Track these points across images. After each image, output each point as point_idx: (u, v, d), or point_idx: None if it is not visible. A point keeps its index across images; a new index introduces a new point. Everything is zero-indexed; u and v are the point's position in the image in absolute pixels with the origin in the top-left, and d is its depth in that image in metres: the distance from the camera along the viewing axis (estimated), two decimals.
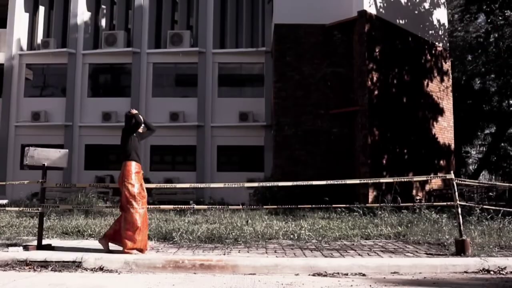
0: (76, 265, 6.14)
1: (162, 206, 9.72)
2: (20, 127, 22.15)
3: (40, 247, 6.84)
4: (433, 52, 18.24)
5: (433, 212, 9.20)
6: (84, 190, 13.23)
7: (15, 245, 7.21)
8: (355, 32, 16.30)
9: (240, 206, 10.19)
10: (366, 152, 15.12)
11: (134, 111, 7.17)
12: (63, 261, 6.20)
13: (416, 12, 17.79)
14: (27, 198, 16.55)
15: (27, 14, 23.41)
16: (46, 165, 7.16)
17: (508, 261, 6.17)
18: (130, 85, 22.08)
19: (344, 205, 8.22)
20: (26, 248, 6.75)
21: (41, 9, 23.72)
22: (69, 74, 22.18)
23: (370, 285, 5.33)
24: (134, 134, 7.12)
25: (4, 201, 15.86)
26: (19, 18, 22.93)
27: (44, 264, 6.17)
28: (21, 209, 8.97)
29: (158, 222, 9.65)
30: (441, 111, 18.16)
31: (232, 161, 22.76)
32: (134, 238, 6.56)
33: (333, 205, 8.61)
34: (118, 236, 6.70)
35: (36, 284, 5.31)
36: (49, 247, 6.83)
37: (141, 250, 6.61)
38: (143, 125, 7.22)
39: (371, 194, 14.66)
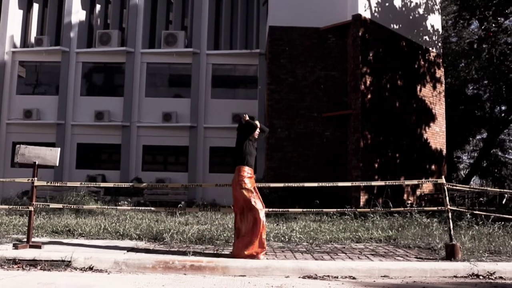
0: (66, 264, 6.10)
1: (152, 208, 9.65)
2: (12, 124, 21.99)
3: (29, 245, 6.79)
4: (427, 57, 18.33)
5: (424, 217, 9.24)
6: (75, 189, 13.17)
7: (4, 243, 7.17)
8: (349, 36, 16.35)
9: (232, 208, 10.16)
10: (358, 156, 15.15)
11: (247, 117, 7.09)
12: (52, 260, 6.16)
13: (411, 17, 17.87)
14: (17, 196, 16.43)
15: (21, 11, 23.28)
16: (37, 163, 7.12)
17: (497, 266, 6.20)
18: (124, 85, 21.99)
19: (336, 209, 8.22)
20: (15, 246, 6.71)
21: (35, 7, 23.60)
22: (62, 72, 22.06)
23: None
24: (250, 139, 7.03)
25: None
26: (13, 15, 22.79)
27: (33, 263, 6.13)
28: (10, 207, 8.91)
29: (149, 222, 9.61)
30: (433, 116, 18.24)
31: (224, 163, 22.70)
32: (243, 242, 6.54)
33: (324, 210, 8.61)
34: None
35: (25, 283, 5.27)
36: (38, 246, 6.78)
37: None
38: (258, 131, 7.12)
39: (363, 198, 14.70)
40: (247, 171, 6.85)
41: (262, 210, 6.73)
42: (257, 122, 7.11)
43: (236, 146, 7.05)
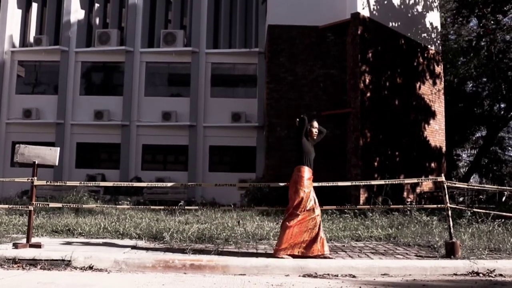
0: (66, 264, 6.10)
1: (152, 207, 9.66)
2: (11, 124, 21.99)
3: (29, 245, 6.79)
4: (426, 55, 18.32)
5: (423, 215, 9.23)
6: (75, 188, 13.16)
7: (4, 243, 7.17)
8: (348, 34, 16.34)
9: (232, 207, 10.17)
10: (358, 154, 15.15)
11: (301, 117, 7.08)
12: (52, 260, 6.15)
13: (409, 15, 17.87)
14: (17, 196, 16.46)
15: (20, 11, 23.26)
16: (36, 162, 7.12)
17: (497, 264, 6.21)
18: (123, 84, 21.99)
19: (335, 207, 8.22)
20: (15, 246, 6.70)
21: (34, 6, 23.59)
22: (62, 72, 22.05)
23: (360, 287, 5.35)
24: (308, 139, 7.04)
25: None
26: (12, 15, 22.77)
27: (33, 263, 6.13)
28: (10, 206, 8.90)
29: (148, 221, 9.61)
30: (433, 114, 18.24)
31: (224, 162, 22.74)
32: (289, 242, 6.50)
33: (324, 207, 8.58)
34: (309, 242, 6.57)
35: (25, 283, 5.27)
36: (38, 246, 6.78)
37: (294, 255, 6.49)
38: (315, 130, 7.12)
39: (362, 196, 14.70)
40: (306, 171, 6.83)
41: (318, 209, 6.74)
42: (312, 121, 7.14)
43: (296, 147, 7.13)
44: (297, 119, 7.11)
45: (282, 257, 6.38)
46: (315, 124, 7.15)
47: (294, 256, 6.43)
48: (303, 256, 6.45)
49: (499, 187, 12.19)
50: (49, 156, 7.24)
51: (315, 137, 7.19)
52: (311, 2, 16.87)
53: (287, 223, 6.59)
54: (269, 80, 17.01)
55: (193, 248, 7.02)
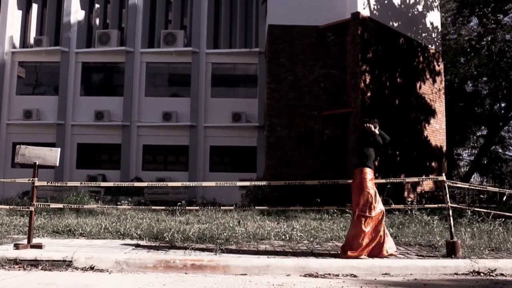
0: (67, 264, 6.10)
1: (153, 207, 9.66)
2: (12, 125, 22.00)
3: (30, 246, 6.80)
4: (426, 54, 18.32)
5: (424, 214, 9.24)
6: (76, 189, 13.17)
7: (5, 243, 7.17)
8: (349, 34, 16.34)
9: (232, 207, 10.17)
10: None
11: (372, 128, 7.09)
12: (53, 260, 6.16)
13: (410, 14, 17.86)
14: (18, 197, 16.46)
15: (20, 12, 23.27)
16: (37, 163, 7.12)
17: (498, 263, 6.21)
18: (123, 84, 21.99)
19: (336, 207, 8.22)
20: (16, 246, 6.71)
21: (34, 7, 23.59)
22: (62, 73, 22.05)
23: (361, 286, 5.35)
24: (372, 144, 7.07)
25: None
26: (12, 15, 22.78)
27: (34, 263, 6.13)
28: (11, 207, 8.90)
29: (149, 221, 9.62)
30: (433, 114, 18.23)
31: (224, 162, 22.74)
32: (360, 244, 6.55)
33: (325, 207, 8.61)
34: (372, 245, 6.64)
35: (26, 283, 5.27)
36: (39, 246, 6.79)
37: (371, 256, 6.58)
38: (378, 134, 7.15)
39: None
40: (370, 173, 6.85)
41: (383, 211, 6.78)
42: (379, 133, 7.14)
43: (359, 148, 7.18)
44: (367, 124, 7.14)
45: (360, 258, 6.45)
46: (377, 127, 7.16)
47: (358, 258, 6.47)
48: (370, 257, 6.51)
49: (500, 186, 12.21)
50: (50, 156, 7.24)
51: (381, 143, 7.23)
52: (311, 2, 16.87)
53: (360, 224, 6.62)
54: (269, 80, 17.01)
55: (194, 248, 7.03)
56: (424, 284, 5.55)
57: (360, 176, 6.86)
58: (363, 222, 6.64)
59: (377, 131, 7.13)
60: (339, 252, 6.90)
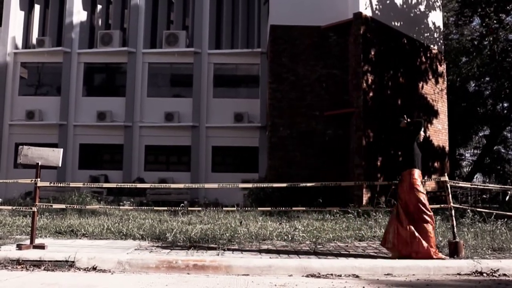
0: (69, 265, 6.11)
1: (155, 208, 9.67)
2: (14, 125, 22.05)
3: (33, 246, 6.81)
4: (428, 54, 18.28)
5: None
6: (78, 190, 13.19)
7: (7, 244, 7.18)
8: (351, 34, 16.32)
9: (235, 207, 10.17)
10: (361, 154, 15.12)
11: (407, 120, 7.11)
12: (56, 261, 6.16)
13: (412, 14, 17.84)
14: (20, 197, 16.51)
15: (23, 12, 23.31)
16: (40, 164, 7.13)
17: (501, 263, 6.19)
18: (125, 85, 22.03)
19: (338, 207, 8.21)
20: (18, 247, 6.72)
21: (37, 8, 23.64)
22: (64, 73, 22.10)
23: (364, 287, 5.34)
24: (416, 141, 7.08)
25: None
26: (15, 16, 22.83)
27: (36, 264, 6.14)
28: (14, 208, 8.92)
29: (152, 222, 9.62)
30: (435, 114, 18.20)
31: (226, 162, 22.75)
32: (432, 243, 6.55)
33: (327, 208, 8.60)
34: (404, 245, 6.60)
35: (28, 284, 5.28)
36: (42, 247, 6.80)
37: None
38: (422, 133, 7.21)
39: (365, 196, 14.68)
40: (419, 173, 6.86)
41: (431, 212, 6.77)
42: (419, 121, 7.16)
43: (404, 150, 7.17)
44: (409, 122, 7.12)
45: (440, 258, 6.44)
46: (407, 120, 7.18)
47: (401, 258, 6.45)
48: (418, 258, 6.45)
49: (502, 186, 12.14)
50: (52, 157, 7.25)
51: (421, 139, 7.26)
52: (313, 2, 16.85)
53: (425, 225, 6.59)
54: (271, 80, 17.00)
55: (197, 248, 7.03)
56: (427, 284, 5.54)
57: (409, 178, 6.82)
58: (429, 222, 6.60)
59: (408, 121, 7.11)
60: (340, 252, 6.88)
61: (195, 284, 5.37)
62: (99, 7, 23.68)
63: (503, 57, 21.45)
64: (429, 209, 6.70)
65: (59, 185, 11.36)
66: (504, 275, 6.00)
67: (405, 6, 17.59)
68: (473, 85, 27.61)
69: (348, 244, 7.80)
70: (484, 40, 19.71)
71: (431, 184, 17.04)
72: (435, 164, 17.88)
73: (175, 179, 20.67)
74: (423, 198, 6.71)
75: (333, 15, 16.55)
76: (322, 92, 16.58)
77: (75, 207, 9.84)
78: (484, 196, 17.56)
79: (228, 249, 7.05)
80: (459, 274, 6.02)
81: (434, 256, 6.46)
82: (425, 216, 6.64)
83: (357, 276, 5.88)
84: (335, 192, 13.20)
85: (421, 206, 6.68)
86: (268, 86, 17.42)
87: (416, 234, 6.57)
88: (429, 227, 6.60)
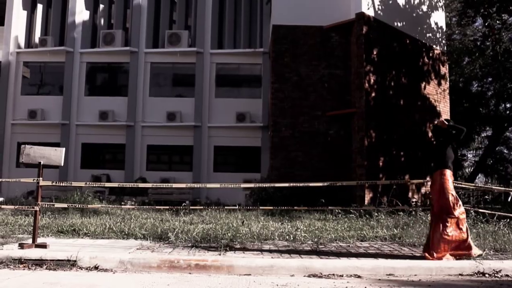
0: (71, 264, 6.11)
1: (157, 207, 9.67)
2: (17, 125, 22.09)
3: (35, 245, 6.81)
4: (431, 55, 18.26)
5: (429, 215, 9.19)
6: (80, 189, 13.20)
7: (10, 243, 7.19)
8: (353, 34, 16.31)
9: (236, 207, 10.16)
10: (363, 154, 15.12)
11: (447, 123, 7.02)
12: (58, 260, 6.17)
13: (414, 15, 17.82)
14: (22, 196, 16.52)
15: (25, 12, 23.34)
16: (42, 163, 7.14)
17: (503, 264, 6.18)
18: (128, 84, 22.05)
19: (340, 207, 8.21)
20: (21, 246, 6.72)
21: (39, 7, 23.66)
22: (67, 73, 22.13)
23: (365, 287, 5.33)
24: (452, 143, 7.07)
25: (0, 199, 15.81)
26: (17, 16, 22.86)
27: (38, 263, 6.14)
28: (16, 207, 8.93)
29: (153, 221, 9.62)
30: (438, 114, 18.16)
31: (228, 162, 22.75)
32: (444, 245, 6.52)
33: (329, 207, 8.59)
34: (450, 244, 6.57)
35: (30, 283, 5.28)
36: (44, 246, 6.80)
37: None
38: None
39: (368, 196, 14.67)
40: (450, 174, 6.84)
41: (464, 211, 6.77)
42: (457, 125, 7.07)
43: (436, 150, 7.14)
44: (451, 125, 7.03)
45: (442, 259, 6.42)
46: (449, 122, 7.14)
47: (441, 259, 6.43)
48: (455, 257, 6.46)
49: (505, 187, 12.15)
50: (54, 156, 7.26)
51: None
52: (315, 3, 16.85)
53: (444, 226, 6.58)
54: (273, 80, 17.01)
55: (199, 247, 7.03)
56: (429, 285, 5.54)
57: (440, 178, 6.80)
58: (447, 223, 6.58)
59: (451, 124, 7.04)
60: (342, 253, 6.88)
61: (197, 284, 5.37)
62: (101, 6, 23.69)
63: (506, 57, 21.41)
64: (455, 210, 6.63)
65: (61, 184, 11.41)
66: (507, 276, 5.98)
67: (407, 6, 17.57)
68: (475, 85, 27.55)
69: (350, 244, 7.79)
70: (486, 41, 19.69)
71: None
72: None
73: (177, 179, 20.68)
74: (454, 199, 6.69)
75: (336, 15, 16.55)
76: (324, 92, 16.58)
77: (77, 206, 9.85)
78: (486, 197, 17.51)
79: (230, 249, 7.04)
80: (461, 274, 6.01)
81: (430, 258, 6.44)
82: (446, 217, 6.62)
83: (359, 276, 5.88)
84: (337, 192, 13.19)
85: (446, 206, 6.65)
86: (270, 86, 17.43)
87: (434, 233, 6.62)
88: (448, 229, 6.56)
